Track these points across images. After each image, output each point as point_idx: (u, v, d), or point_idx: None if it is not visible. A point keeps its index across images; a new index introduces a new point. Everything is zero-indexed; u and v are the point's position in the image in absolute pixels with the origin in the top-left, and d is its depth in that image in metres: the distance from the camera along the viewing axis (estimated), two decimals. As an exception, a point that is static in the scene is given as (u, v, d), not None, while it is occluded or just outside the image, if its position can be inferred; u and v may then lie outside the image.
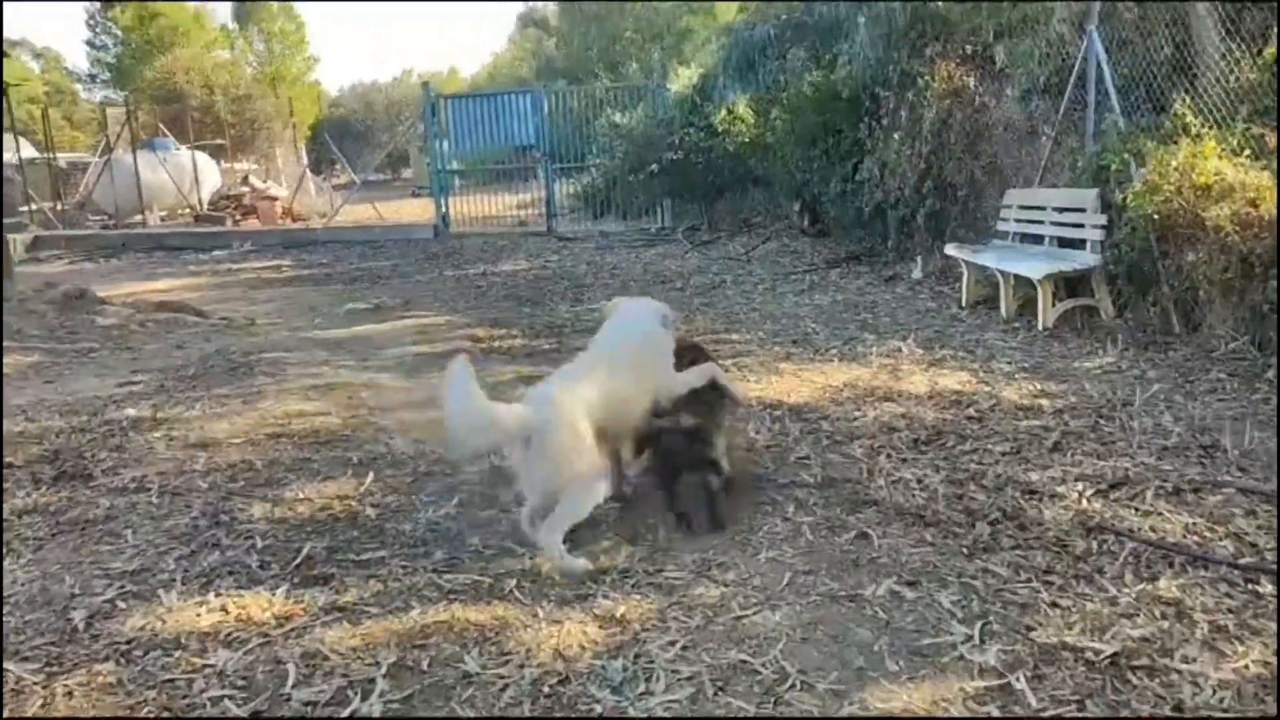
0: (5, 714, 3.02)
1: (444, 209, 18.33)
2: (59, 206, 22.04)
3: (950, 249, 9.02)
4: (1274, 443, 4.60)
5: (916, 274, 10.15)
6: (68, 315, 8.66)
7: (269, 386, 6.42)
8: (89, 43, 61.74)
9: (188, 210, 22.76)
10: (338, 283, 13.11)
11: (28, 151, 25.00)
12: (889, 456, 4.71)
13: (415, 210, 24.29)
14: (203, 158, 24.39)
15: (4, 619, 3.31)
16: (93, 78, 61.38)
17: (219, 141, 27.53)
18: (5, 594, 3.48)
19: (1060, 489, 4.16)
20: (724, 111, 15.01)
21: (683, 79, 17.20)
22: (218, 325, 8.96)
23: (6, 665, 3.02)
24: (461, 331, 8.42)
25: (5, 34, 63.76)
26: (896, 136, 10.44)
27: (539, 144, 17.71)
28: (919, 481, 4.36)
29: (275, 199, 22.92)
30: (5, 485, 4.60)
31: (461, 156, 19.28)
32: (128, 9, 58.57)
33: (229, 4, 62.25)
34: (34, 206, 21.24)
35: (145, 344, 8.08)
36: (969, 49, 10.11)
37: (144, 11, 58.70)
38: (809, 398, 5.79)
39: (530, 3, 42.41)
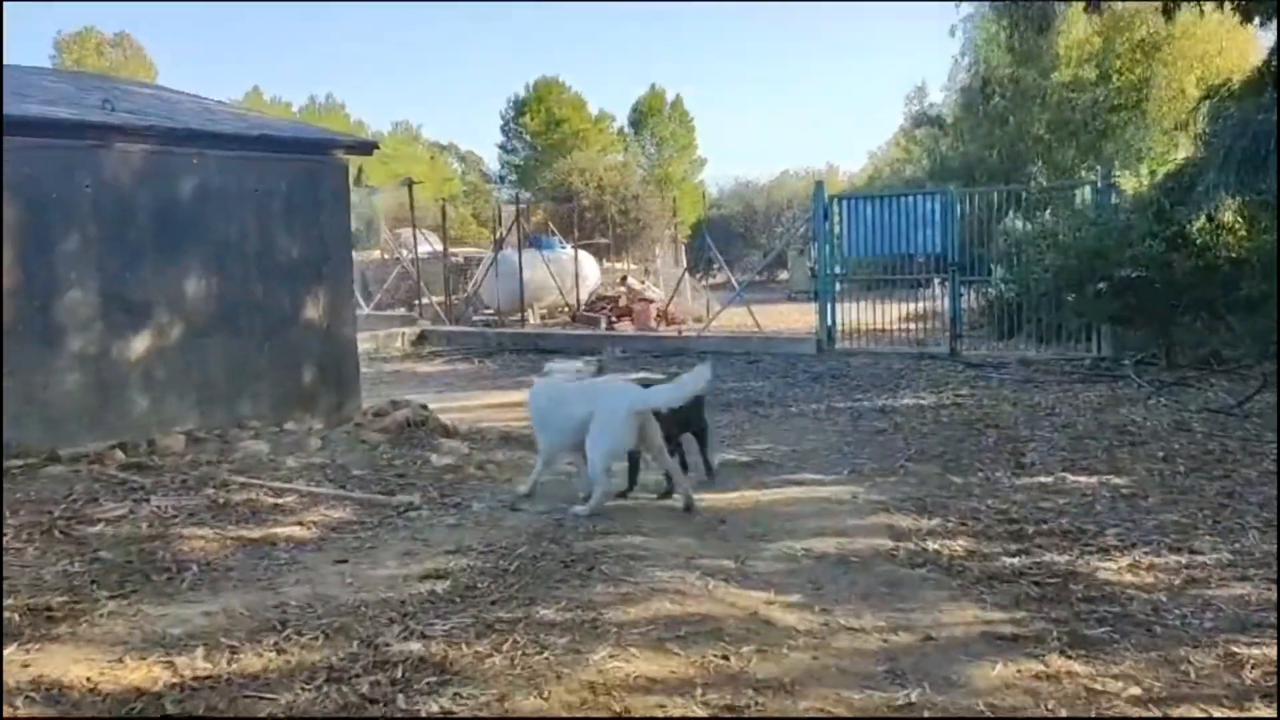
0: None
1: (829, 320, 16.21)
2: (449, 301, 22.41)
3: None
4: None
5: None
6: (401, 449, 7.34)
7: (609, 608, 4.41)
8: (501, 146, 67.43)
9: (566, 309, 22.39)
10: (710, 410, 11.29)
11: (431, 247, 26.15)
12: None
13: (793, 318, 22.43)
14: (585, 256, 24.14)
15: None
16: (502, 179, 66.64)
17: (602, 240, 27.46)
18: None
19: None
20: (1203, 219, 11.76)
21: (1135, 180, 14.05)
22: (566, 475, 7.25)
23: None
24: (874, 518, 6.08)
25: (440, 138, 70.56)
26: None
27: (947, 252, 15.16)
28: None
29: (651, 301, 22.00)
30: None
31: (851, 262, 17.15)
32: (537, 115, 63.30)
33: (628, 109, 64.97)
34: (425, 301, 21.68)
35: (475, 499, 6.47)
36: None
37: (551, 118, 63.18)
38: None
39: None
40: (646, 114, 64.35)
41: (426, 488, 6.61)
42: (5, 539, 5.23)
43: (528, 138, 64.56)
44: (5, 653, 3.87)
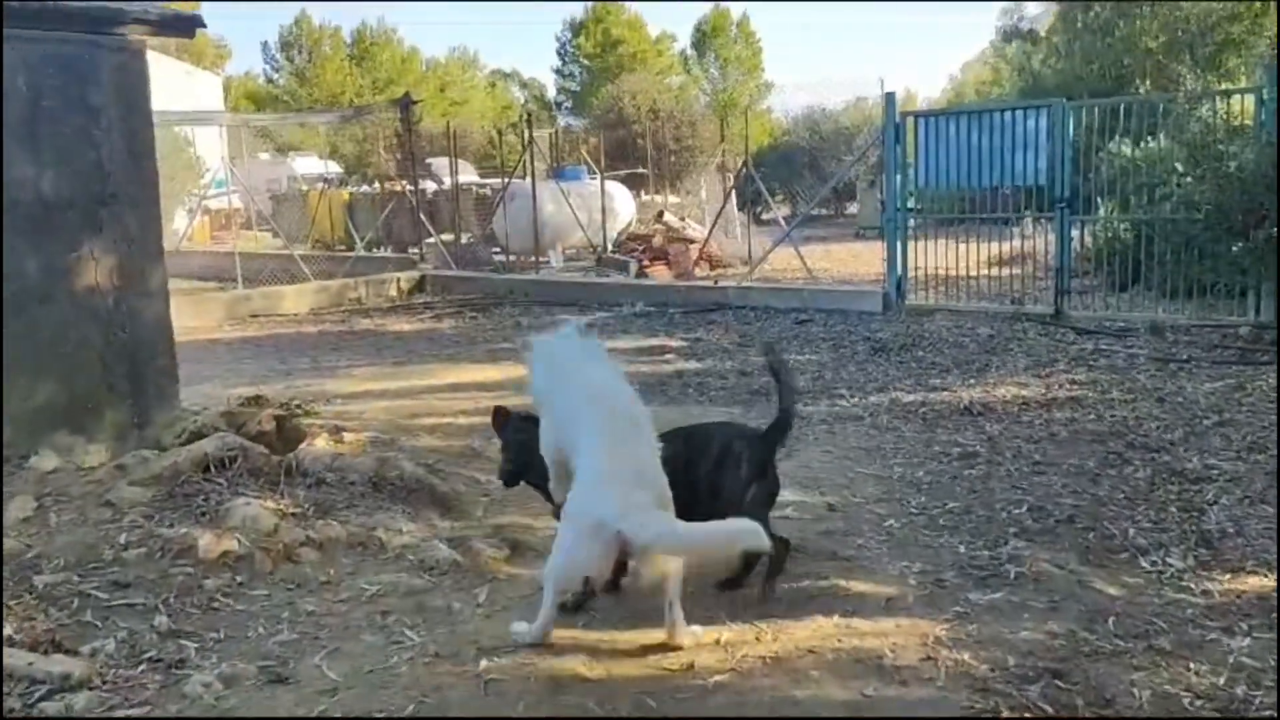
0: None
1: (899, 269, 12.93)
2: (458, 240, 19.47)
3: None
4: None
5: None
6: (163, 517, 4.39)
7: None
8: (557, 71, 64.06)
9: (592, 251, 19.30)
10: (732, 397, 8.26)
11: (465, 177, 23.03)
12: None
13: (855, 260, 19.09)
14: (617, 188, 20.90)
15: None
16: (558, 105, 63.20)
17: (639, 170, 24.11)
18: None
19: None
20: None
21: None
22: (456, 569, 4.30)
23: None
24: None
25: (499, 66, 67.68)
26: None
27: (1054, 182, 11.72)
28: None
29: (692, 241, 18.78)
30: None
31: (927, 194, 13.79)
32: (593, 37, 59.62)
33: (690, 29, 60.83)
34: (429, 241, 18.77)
35: (216, 648, 3.53)
36: None
37: (608, 39, 59.44)
38: None
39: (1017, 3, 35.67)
40: (710, 34, 60.25)
41: (153, 613, 3.67)
42: None
43: (584, 61, 61.03)
44: None
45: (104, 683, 3.23)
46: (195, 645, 3.52)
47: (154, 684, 3.25)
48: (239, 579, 4.03)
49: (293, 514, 4.55)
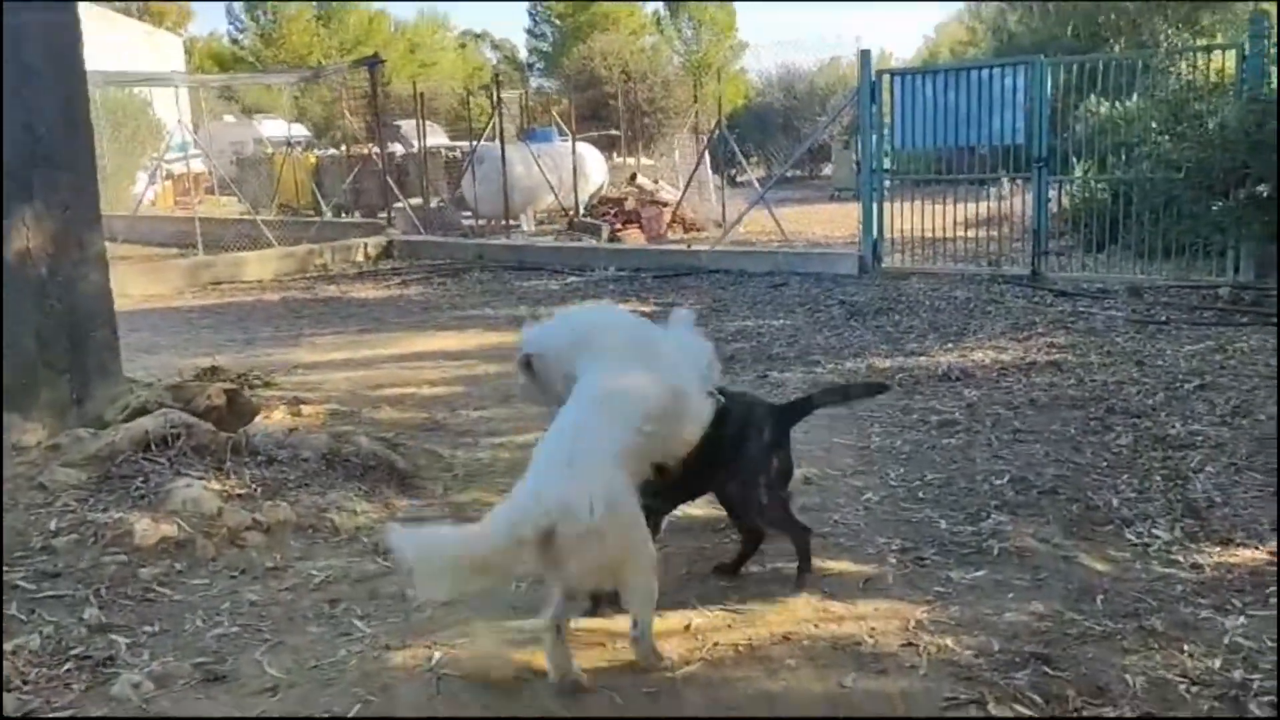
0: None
1: (875, 232, 12.71)
2: (429, 204, 19.06)
3: None
4: None
5: None
6: (98, 500, 4.16)
7: None
8: (529, 31, 63.09)
9: (565, 215, 18.94)
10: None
11: (434, 140, 22.54)
12: None
13: (830, 222, 18.87)
14: (589, 150, 20.51)
15: None
16: (530, 66, 62.30)
17: (612, 132, 23.66)
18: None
19: None
20: None
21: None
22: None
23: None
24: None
25: (471, 27, 66.51)
26: None
27: (1033, 141, 11.51)
28: None
29: (665, 204, 18.48)
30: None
31: (903, 154, 13.50)
32: (563, -6, 58.70)
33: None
34: (398, 205, 18.35)
35: (151, 643, 3.30)
36: None
37: (579, -4, 58.54)
38: None
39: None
40: (683, -6, 59.42)
41: (83, 605, 3.44)
42: None
43: (555, 21, 60.16)
44: None
45: (24, 684, 3.00)
46: (127, 641, 3.28)
47: (79, 684, 3.01)
48: (178, 566, 3.79)
49: (239, 495, 4.30)
